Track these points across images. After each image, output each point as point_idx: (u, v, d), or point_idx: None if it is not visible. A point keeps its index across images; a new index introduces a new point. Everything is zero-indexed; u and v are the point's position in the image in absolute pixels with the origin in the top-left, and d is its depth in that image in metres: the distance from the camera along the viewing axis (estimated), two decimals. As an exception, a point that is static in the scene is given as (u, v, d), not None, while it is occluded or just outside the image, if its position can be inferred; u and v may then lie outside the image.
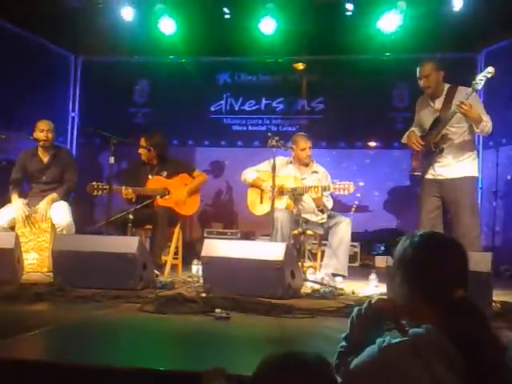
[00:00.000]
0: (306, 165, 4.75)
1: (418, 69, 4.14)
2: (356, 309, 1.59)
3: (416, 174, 4.22)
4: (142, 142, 4.88)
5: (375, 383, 1.32)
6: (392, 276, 1.48)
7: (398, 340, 1.33)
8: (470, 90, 3.88)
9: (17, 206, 4.68)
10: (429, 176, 4.19)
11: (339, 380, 1.58)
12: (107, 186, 4.48)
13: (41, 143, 4.83)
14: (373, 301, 1.55)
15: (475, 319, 1.30)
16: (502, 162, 5.87)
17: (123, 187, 4.59)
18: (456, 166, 4.10)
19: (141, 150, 4.88)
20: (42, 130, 4.82)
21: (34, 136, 4.83)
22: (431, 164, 4.16)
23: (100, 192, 4.52)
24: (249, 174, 4.79)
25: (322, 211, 4.54)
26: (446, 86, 4.14)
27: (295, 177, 4.64)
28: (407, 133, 4.37)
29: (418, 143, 4.16)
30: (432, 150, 4.10)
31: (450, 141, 4.08)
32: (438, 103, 4.14)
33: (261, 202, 4.67)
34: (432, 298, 1.35)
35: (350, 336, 1.56)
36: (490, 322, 1.33)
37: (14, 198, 4.74)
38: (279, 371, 1.17)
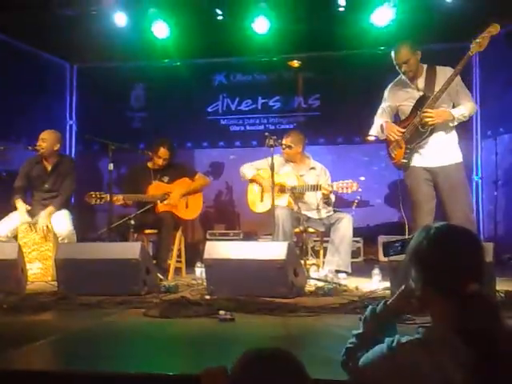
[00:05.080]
0: (299, 161, 4.75)
1: (393, 54, 3.86)
2: (370, 308, 1.59)
3: (403, 161, 3.90)
4: (163, 153, 4.79)
5: (386, 379, 1.33)
6: (406, 269, 1.46)
7: (409, 337, 1.33)
8: (448, 69, 3.77)
9: (21, 213, 4.68)
10: (417, 164, 3.91)
11: (347, 376, 1.60)
12: (106, 195, 4.50)
13: (39, 152, 4.85)
14: (388, 301, 1.56)
15: (488, 313, 1.29)
16: (501, 151, 5.87)
17: (121, 196, 4.59)
18: (445, 153, 3.87)
19: (160, 160, 4.81)
20: (39, 140, 4.84)
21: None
22: (417, 151, 3.89)
23: (98, 201, 4.54)
24: (247, 170, 4.79)
25: (327, 203, 4.55)
26: (424, 66, 3.93)
27: (296, 174, 4.66)
28: (377, 126, 4.09)
29: (397, 131, 3.91)
30: (420, 132, 3.82)
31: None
32: (420, 83, 3.91)
33: (261, 200, 4.68)
34: (445, 291, 1.34)
35: (362, 334, 1.56)
36: (504, 316, 1.32)
37: (19, 202, 4.73)
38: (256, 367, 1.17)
